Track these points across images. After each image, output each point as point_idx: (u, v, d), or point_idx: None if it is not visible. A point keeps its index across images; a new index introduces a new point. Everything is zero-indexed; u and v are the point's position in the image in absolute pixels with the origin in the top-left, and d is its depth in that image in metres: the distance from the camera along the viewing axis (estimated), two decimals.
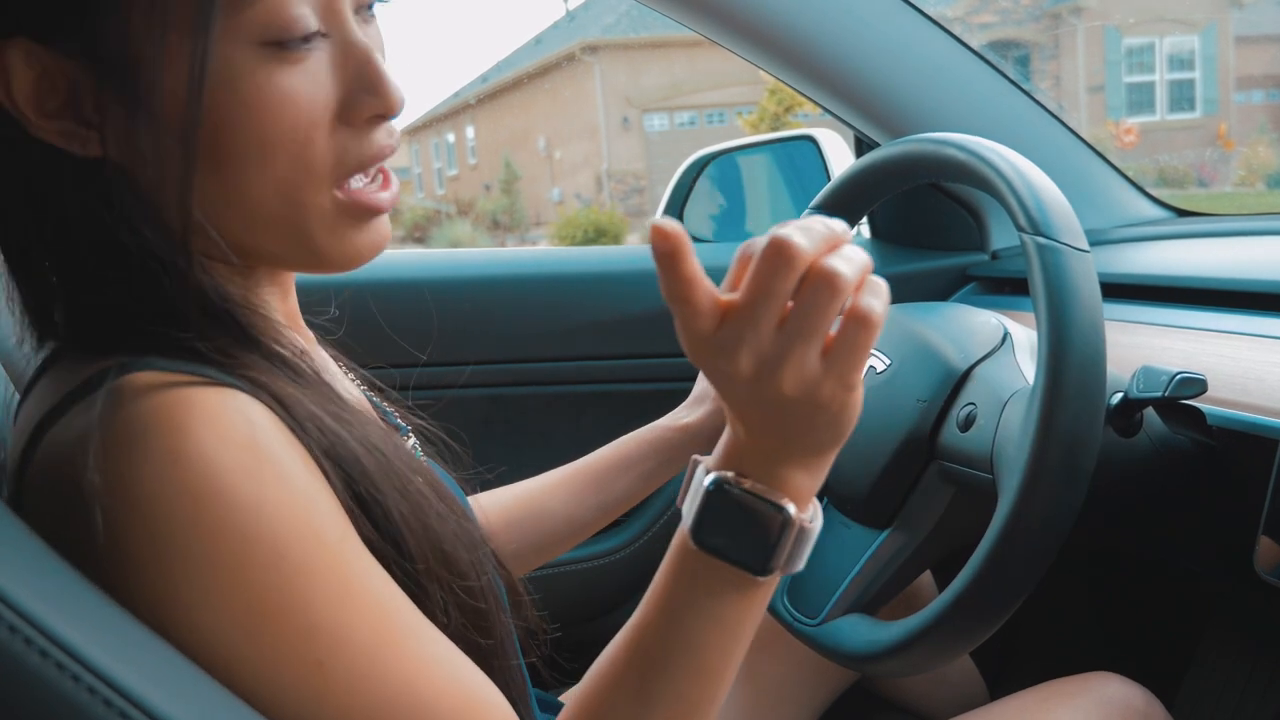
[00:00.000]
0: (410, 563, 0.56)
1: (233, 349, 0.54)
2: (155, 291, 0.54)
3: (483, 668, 0.57)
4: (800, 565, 0.55)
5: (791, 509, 0.54)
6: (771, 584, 0.56)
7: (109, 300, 0.54)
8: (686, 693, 0.56)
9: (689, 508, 0.55)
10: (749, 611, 0.56)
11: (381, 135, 0.58)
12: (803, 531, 0.54)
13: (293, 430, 0.52)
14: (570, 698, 0.60)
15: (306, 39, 0.54)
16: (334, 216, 0.57)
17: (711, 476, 0.54)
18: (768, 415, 0.52)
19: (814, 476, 0.55)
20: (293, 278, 0.67)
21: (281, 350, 0.58)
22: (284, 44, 0.53)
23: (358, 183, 0.58)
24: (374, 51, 0.56)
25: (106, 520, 0.47)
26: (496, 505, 0.94)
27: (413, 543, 0.57)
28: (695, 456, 0.57)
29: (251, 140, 0.53)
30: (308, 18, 0.53)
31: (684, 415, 0.98)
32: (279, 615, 0.49)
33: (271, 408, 0.52)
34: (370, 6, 0.59)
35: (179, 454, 0.48)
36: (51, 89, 0.52)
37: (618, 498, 0.95)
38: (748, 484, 0.54)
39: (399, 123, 0.61)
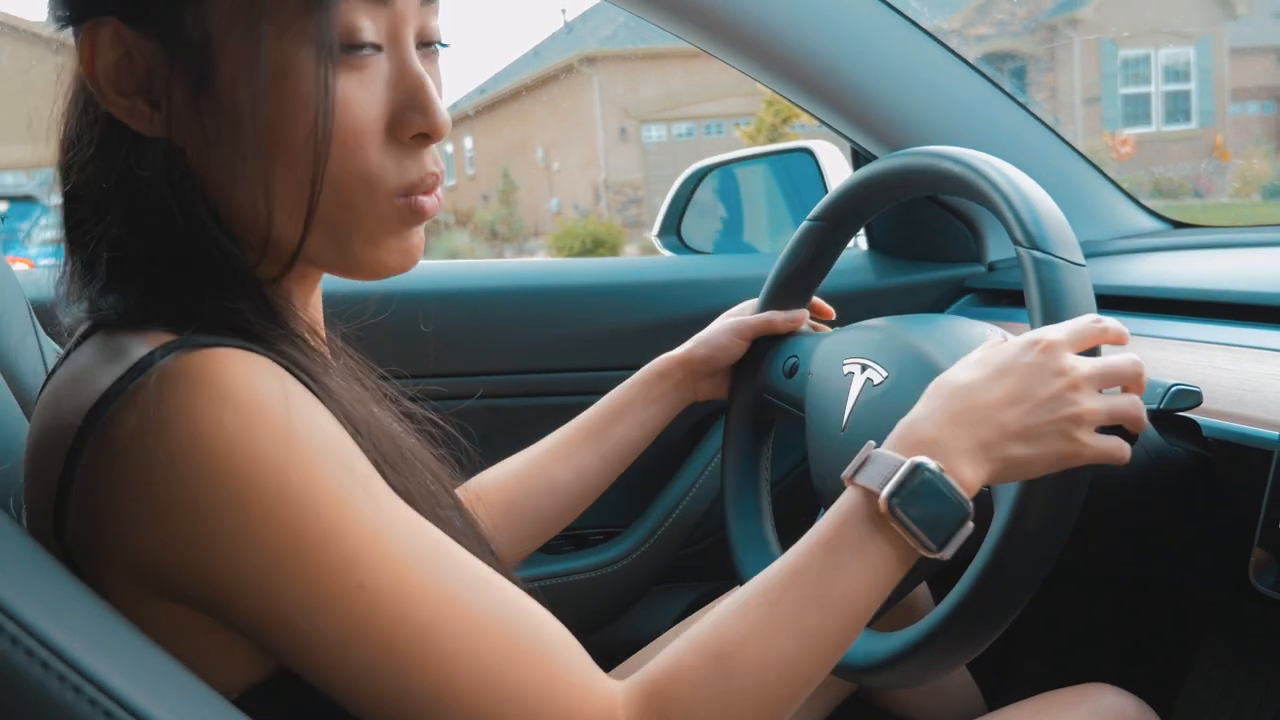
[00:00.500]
0: None
1: (269, 334, 0.58)
2: (193, 269, 0.58)
3: None
4: (949, 556, 0.64)
5: (971, 506, 0.63)
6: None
7: (150, 273, 0.59)
8: (832, 630, 0.62)
9: (882, 478, 0.63)
10: (894, 577, 0.64)
11: (430, 160, 0.62)
12: (970, 527, 0.63)
13: (323, 400, 0.56)
14: (709, 625, 0.62)
15: (363, 47, 0.58)
16: (385, 224, 0.62)
17: (922, 460, 0.63)
18: (1044, 429, 0.65)
19: (981, 484, 0.65)
20: (318, 286, 0.69)
21: (308, 340, 0.62)
22: (344, 50, 0.58)
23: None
24: (428, 79, 0.61)
25: (153, 471, 0.51)
26: (500, 479, 0.96)
27: None
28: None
29: (308, 136, 0.57)
30: (368, 30, 0.58)
31: (663, 357, 1.03)
32: (318, 544, 0.51)
33: (304, 381, 0.56)
34: (433, 45, 0.64)
35: (212, 399, 0.51)
36: (131, 70, 0.58)
37: (616, 445, 0.98)
38: (951, 479, 0.63)
39: None
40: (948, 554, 0.63)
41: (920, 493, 0.62)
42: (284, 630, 0.52)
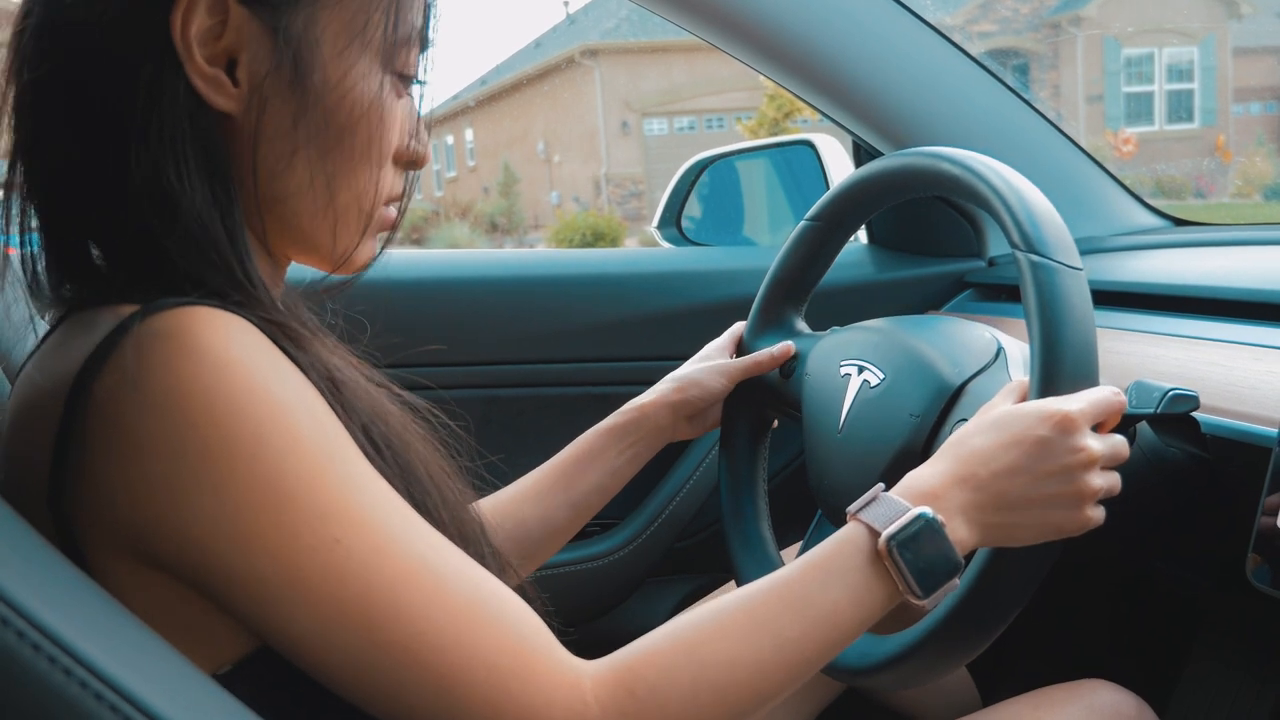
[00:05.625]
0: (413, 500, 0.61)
1: (249, 303, 0.59)
2: (192, 250, 0.59)
3: None
4: (931, 607, 0.67)
5: (962, 564, 0.66)
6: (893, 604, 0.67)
7: (147, 253, 0.59)
8: (808, 645, 0.63)
9: (886, 519, 0.66)
10: (875, 614, 0.66)
11: (403, 181, 0.70)
12: (957, 584, 0.67)
13: (297, 363, 0.57)
14: (687, 617, 0.63)
15: (412, 80, 0.67)
16: (371, 226, 0.67)
17: (926, 510, 0.65)
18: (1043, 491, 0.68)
19: (972, 545, 0.68)
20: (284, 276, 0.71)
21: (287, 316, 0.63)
22: (405, 79, 0.66)
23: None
24: None
25: (132, 426, 0.51)
26: None
27: (416, 489, 0.62)
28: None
29: (358, 140, 0.63)
30: (417, 65, 0.67)
31: (643, 397, 1.00)
32: (294, 498, 0.52)
33: (282, 345, 0.57)
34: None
35: (190, 352, 0.52)
36: (214, 40, 0.59)
37: (586, 493, 0.96)
38: (953, 536, 0.66)
39: None
40: (930, 605, 0.66)
41: (919, 540, 0.65)
42: (257, 589, 0.52)
